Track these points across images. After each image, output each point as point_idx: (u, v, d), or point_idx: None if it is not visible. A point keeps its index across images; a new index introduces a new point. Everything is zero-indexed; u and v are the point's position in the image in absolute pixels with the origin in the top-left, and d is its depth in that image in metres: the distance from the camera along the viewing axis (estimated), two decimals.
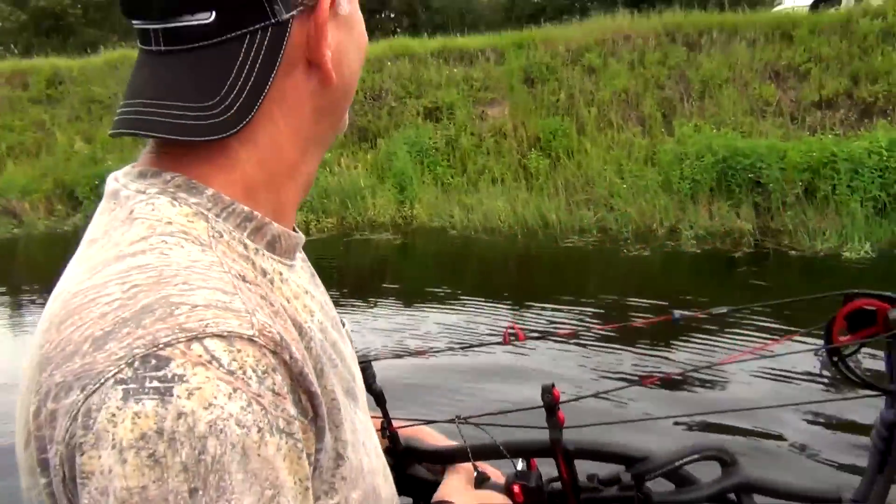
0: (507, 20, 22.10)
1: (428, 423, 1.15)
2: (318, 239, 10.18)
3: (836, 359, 1.12)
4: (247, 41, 0.60)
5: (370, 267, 9.48)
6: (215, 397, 0.49)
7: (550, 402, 1.01)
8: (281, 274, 0.64)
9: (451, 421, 1.12)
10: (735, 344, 5.15)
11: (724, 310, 1.27)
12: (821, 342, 1.13)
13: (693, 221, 9.20)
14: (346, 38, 0.66)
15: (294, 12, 0.61)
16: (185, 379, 0.49)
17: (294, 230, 0.70)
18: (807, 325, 1.35)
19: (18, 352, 5.97)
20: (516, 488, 1.04)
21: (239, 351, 0.51)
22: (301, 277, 0.70)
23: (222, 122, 0.59)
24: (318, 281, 0.77)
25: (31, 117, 14.87)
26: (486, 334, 5.67)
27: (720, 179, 9.46)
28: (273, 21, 0.60)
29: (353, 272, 9.09)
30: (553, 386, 1.01)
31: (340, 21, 0.65)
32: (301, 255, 0.74)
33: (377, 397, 1.06)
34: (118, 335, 0.51)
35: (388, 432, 1.09)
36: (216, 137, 0.59)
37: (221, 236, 0.60)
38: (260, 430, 0.51)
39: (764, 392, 4.42)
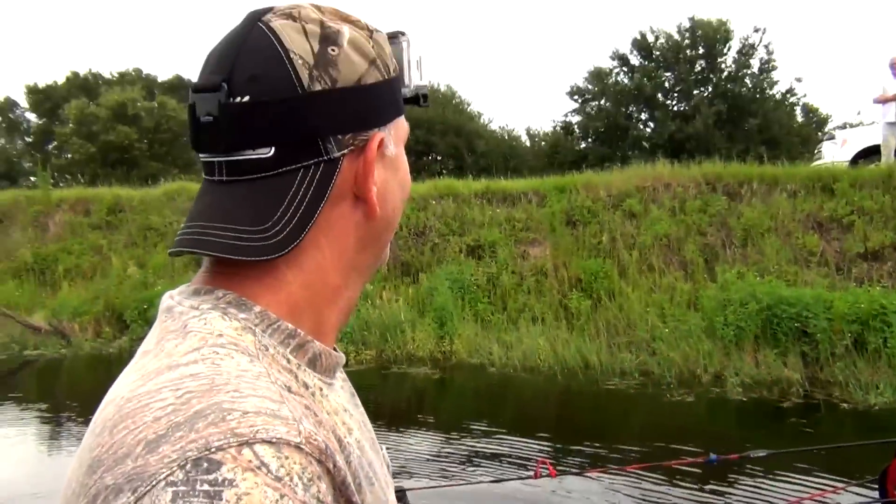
0: (550, 166, 22.84)
1: None
2: (356, 371, 10.14)
3: None
4: (300, 174, 0.66)
5: (408, 399, 9.36)
6: (262, 503, 0.50)
7: None
8: (321, 389, 0.68)
9: None
10: (778, 494, 4.85)
11: (762, 453, 1.13)
12: (875, 495, 1.04)
13: (738, 368, 8.98)
14: (391, 176, 0.74)
15: (345, 151, 0.68)
16: (234, 483, 0.50)
17: (335, 350, 0.74)
18: (858, 475, 1.24)
19: (53, 468, 5.93)
20: None
21: (287, 458, 0.53)
22: (340, 396, 0.73)
23: (271, 244, 0.64)
24: (358, 401, 0.81)
25: (90, 242, 15.48)
26: (521, 468, 5.46)
27: (765, 327, 9.31)
28: (325, 158, 0.67)
29: (390, 404, 8.98)
30: None
31: (387, 161, 0.73)
32: (342, 375, 0.79)
33: None
34: (171, 438, 0.52)
35: None
36: (264, 258, 0.64)
37: (267, 350, 0.64)
38: None
39: None
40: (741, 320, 9.44)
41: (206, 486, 0.49)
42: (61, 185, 25.25)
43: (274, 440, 0.53)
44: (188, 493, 0.49)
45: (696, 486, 5.08)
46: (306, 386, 0.65)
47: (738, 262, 11.00)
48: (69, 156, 30.86)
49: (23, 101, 35.29)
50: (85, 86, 33.75)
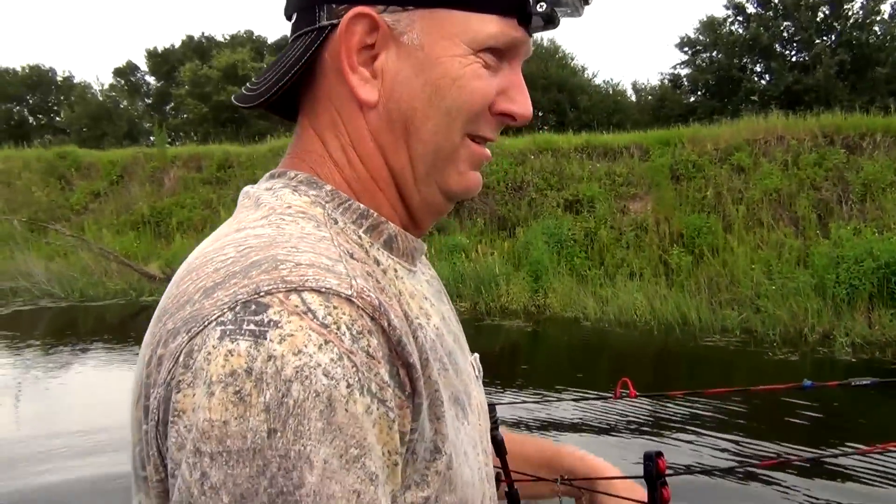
0: (655, 120, 22.06)
1: (536, 480, 1.05)
2: None
3: None
4: (299, 41, 0.68)
5: (500, 352, 9.39)
6: (305, 345, 0.50)
7: (654, 471, 0.90)
8: (396, 271, 0.68)
9: (554, 480, 1.02)
10: (882, 429, 4.53)
11: (867, 381, 0.97)
12: None
13: (849, 328, 8.51)
14: (410, 70, 0.66)
15: (335, 21, 0.66)
16: (279, 325, 0.50)
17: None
18: None
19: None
20: None
21: (335, 307, 0.53)
22: (422, 285, 0.73)
23: (252, 95, 0.70)
24: (446, 299, 0.82)
25: (200, 196, 16.23)
26: (617, 419, 5.37)
27: (881, 286, 8.76)
28: (316, 26, 0.67)
29: (483, 356, 9.01)
30: (660, 455, 0.91)
31: (404, 51, 0.66)
32: (431, 272, 0.82)
33: (497, 446, 1.00)
34: (226, 285, 0.54)
35: (504, 485, 1.01)
36: (239, 104, 0.72)
37: (336, 223, 0.65)
38: (349, 385, 0.51)
39: None
40: (855, 278, 8.92)
41: (252, 326, 0.50)
42: (177, 143, 26.54)
43: (323, 290, 0.53)
44: (235, 332, 0.50)
45: (781, 412, 4.83)
46: (378, 262, 0.66)
47: (854, 217, 10.36)
48: (184, 116, 32.28)
49: (143, 65, 37.09)
50: (199, 48, 35.02)
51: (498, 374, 7.64)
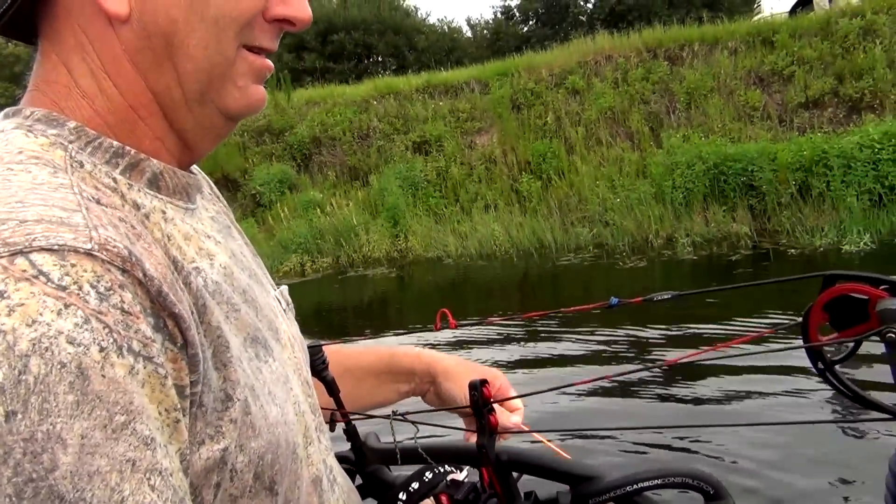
0: (494, 54, 22.32)
1: (367, 417, 1.03)
2: (313, 279, 10.11)
3: (820, 365, 0.82)
4: None
5: (369, 301, 9.38)
6: (41, 314, 0.43)
7: (479, 400, 0.88)
8: (164, 213, 0.60)
9: (387, 417, 0.99)
10: (691, 336, 4.77)
11: (667, 295, 0.96)
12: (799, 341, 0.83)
13: (689, 229, 9.11)
14: None
15: None
16: (5, 295, 0.43)
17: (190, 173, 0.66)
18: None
19: None
20: (444, 499, 0.93)
21: (73, 265, 0.45)
22: (203, 223, 0.66)
23: None
24: (237, 234, 0.76)
25: None
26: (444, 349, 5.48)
27: (713, 186, 9.39)
28: None
29: (351, 309, 8.98)
30: (485, 383, 0.88)
31: None
32: (217, 206, 0.75)
33: (329, 385, 0.96)
34: None
35: (338, 423, 0.99)
36: None
37: (82, 166, 0.56)
38: (103, 349, 0.44)
39: (727, 396, 3.68)
40: (689, 182, 9.51)
41: None
42: None
43: (56, 247, 0.45)
44: None
45: (591, 328, 5.08)
46: (137, 206, 0.57)
47: (682, 125, 10.99)
48: None
49: None
50: None
51: (368, 324, 7.63)
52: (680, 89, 11.44)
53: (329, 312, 8.25)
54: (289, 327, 0.75)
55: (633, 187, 10.05)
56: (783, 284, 5.40)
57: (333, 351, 1.02)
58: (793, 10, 13.42)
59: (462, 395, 0.98)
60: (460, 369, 1.03)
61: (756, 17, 14.23)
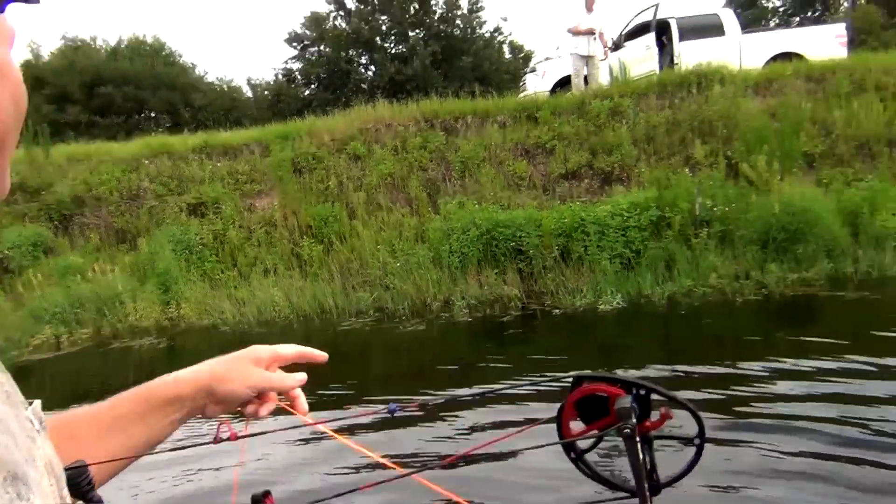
0: (275, 115, 22.20)
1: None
2: (70, 353, 9.20)
3: (572, 454, 0.95)
4: None
5: (134, 377, 8.67)
6: None
7: None
8: None
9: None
10: (465, 437, 4.66)
11: (440, 400, 1.04)
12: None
13: (464, 292, 9.48)
14: None
15: None
16: None
17: None
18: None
19: None
20: None
21: None
22: None
23: None
24: None
25: None
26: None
27: (486, 250, 9.89)
28: None
29: (114, 386, 8.25)
30: (267, 494, 0.89)
31: None
32: None
33: None
34: None
35: None
36: None
37: None
38: None
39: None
40: (464, 247, 9.94)
41: None
42: None
43: None
44: None
45: (373, 431, 4.98)
46: None
47: (458, 192, 11.52)
48: None
49: None
50: None
51: None
52: (455, 158, 12.03)
53: (88, 391, 7.50)
54: (45, 451, 0.65)
55: (413, 251, 10.31)
56: (547, 346, 5.71)
57: (84, 420, 0.93)
58: (553, 90, 14.70)
59: (243, 387, 0.99)
60: (229, 367, 1.01)
61: (522, 94, 15.41)
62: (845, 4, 35.67)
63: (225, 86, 29.77)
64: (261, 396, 1.03)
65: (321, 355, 1.07)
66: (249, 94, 30.85)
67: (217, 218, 11.79)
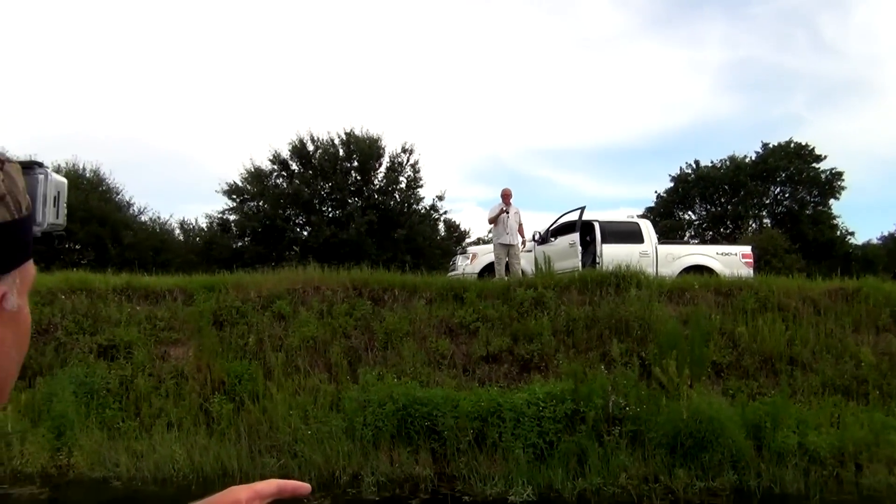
0: (204, 262, 22.10)
1: None
2: None
3: None
4: None
5: None
6: None
7: None
8: None
9: None
10: None
11: None
12: None
13: (375, 467, 9.26)
14: (8, 334, 0.66)
15: None
16: None
17: None
18: None
19: None
20: None
21: None
22: None
23: None
24: None
25: None
26: None
27: (400, 426, 9.78)
28: None
29: None
30: None
31: (6, 317, 0.65)
32: None
33: None
34: None
35: None
36: None
37: None
38: None
39: None
40: (379, 420, 9.82)
41: None
42: None
43: None
44: None
45: None
46: None
47: (378, 363, 11.51)
48: None
49: None
50: None
51: None
52: (380, 328, 12.13)
53: None
54: None
55: (326, 419, 10.10)
56: None
57: None
58: (481, 274, 15.25)
59: None
60: None
61: (451, 274, 15.90)
62: (753, 226, 38.86)
63: (157, 227, 29.69)
64: None
65: (304, 487, 1.03)
66: (181, 237, 30.78)
67: (127, 363, 11.37)
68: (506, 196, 14.94)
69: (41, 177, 0.71)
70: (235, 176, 31.47)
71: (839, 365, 11.32)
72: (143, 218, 29.88)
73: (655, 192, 42.56)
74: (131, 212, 29.59)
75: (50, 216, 0.72)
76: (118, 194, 29.33)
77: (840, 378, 11.08)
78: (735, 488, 8.71)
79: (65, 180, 0.77)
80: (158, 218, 30.36)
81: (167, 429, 10.23)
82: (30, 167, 0.70)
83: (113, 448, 9.78)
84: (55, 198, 0.73)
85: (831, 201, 39.06)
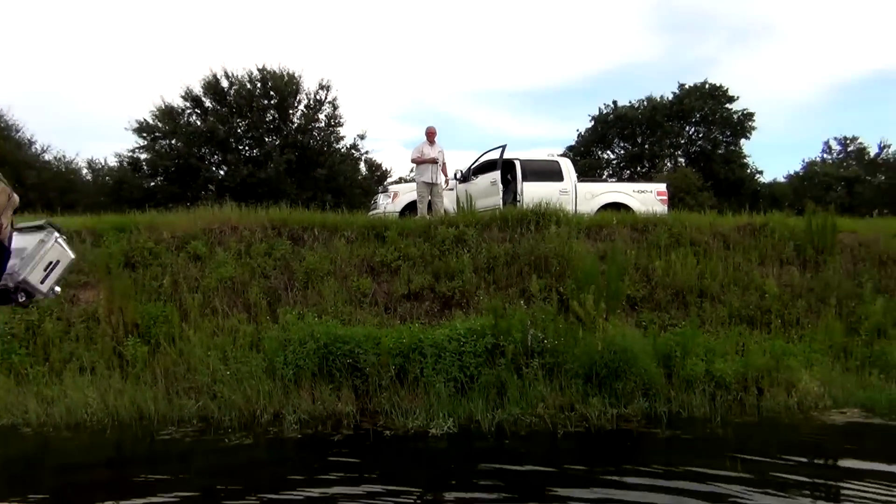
0: (115, 202, 21.23)
1: None
2: None
3: None
4: None
5: None
6: None
7: None
8: None
9: None
10: None
11: None
12: None
13: (296, 406, 9.23)
14: None
15: None
16: None
17: None
18: None
19: None
20: None
21: None
22: None
23: None
24: None
25: None
26: None
27: (322, 364, 9.75)
28: None
29: None
30: None
31: None
32: None
33: None
34: None
35: None
36: None
37: None
38: None
39: None
40: (300, 359, 9.75)
41: None
42: None
43: None
44: None
45: None
46: None
47: (299, 303, 11.39)
48: None
49: None
50: None
51: None
52: (300, 268, 11.97)
53: None
54: None
55: (246, 360, 9.98)
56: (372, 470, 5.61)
57: None
58: (402, 213, 15.17)
59: None
60: None
61: (372, 213, 15.74)
62: (668, 164, 39.91)
63: (63, 166, 28.25)
64: None
65: None
66: (89, 177, 29.42)
67: (33, 307, 10.89)
68: (430, 134, 14.81)
69: None
70: (146, 114, 30.10)
71: (745, 296, 11.86)
72: (48, 157, 28.36)
73: (577, 131, 43.11)
74: (33, 150, 28.01)
75: None
76: (18, 132, 27.67)
77: (746, 308, 11.62)
78: (646, 414, 9.09)
79: None
80: (64, 157, 28.86)
81: (79, 373, 9.92)
82: None
83: (21, 394, 9.44)
84: None
85: (742, 141, 40.45)
